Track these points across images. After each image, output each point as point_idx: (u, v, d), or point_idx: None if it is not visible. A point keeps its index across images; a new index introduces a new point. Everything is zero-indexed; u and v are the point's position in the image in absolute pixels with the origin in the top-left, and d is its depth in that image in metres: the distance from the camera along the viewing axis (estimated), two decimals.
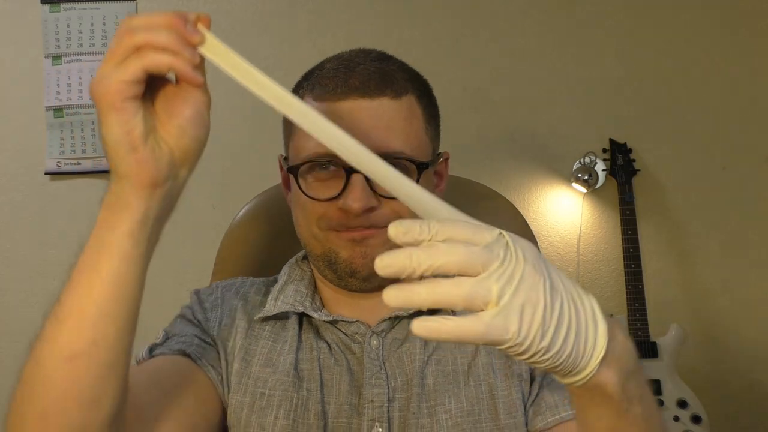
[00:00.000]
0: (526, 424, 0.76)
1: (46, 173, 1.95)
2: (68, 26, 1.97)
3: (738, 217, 2.00)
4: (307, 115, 0.55)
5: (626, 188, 1.90)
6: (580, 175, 1.92)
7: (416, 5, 2.01)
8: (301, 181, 0.76)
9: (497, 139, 1.99)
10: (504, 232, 0.45)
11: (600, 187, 1.95)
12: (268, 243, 1.04)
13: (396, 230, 0.44)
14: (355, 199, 0.72)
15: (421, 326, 0.42)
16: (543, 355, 0.44)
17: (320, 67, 0.80)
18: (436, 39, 1.99)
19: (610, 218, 1.99)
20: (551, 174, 2.00)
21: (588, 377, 0.47)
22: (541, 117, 2.01)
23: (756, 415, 1.98)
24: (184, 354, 0.75)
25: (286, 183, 0.84)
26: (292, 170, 0.77)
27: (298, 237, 0.81)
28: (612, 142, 1.95)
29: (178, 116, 0.56)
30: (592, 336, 0.47)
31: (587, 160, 1.94)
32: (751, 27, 2.04)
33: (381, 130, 0.73)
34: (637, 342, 1.79)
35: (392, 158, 0.72)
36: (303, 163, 0.75)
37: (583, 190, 1.96)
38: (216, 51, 0.56)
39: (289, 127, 0.82)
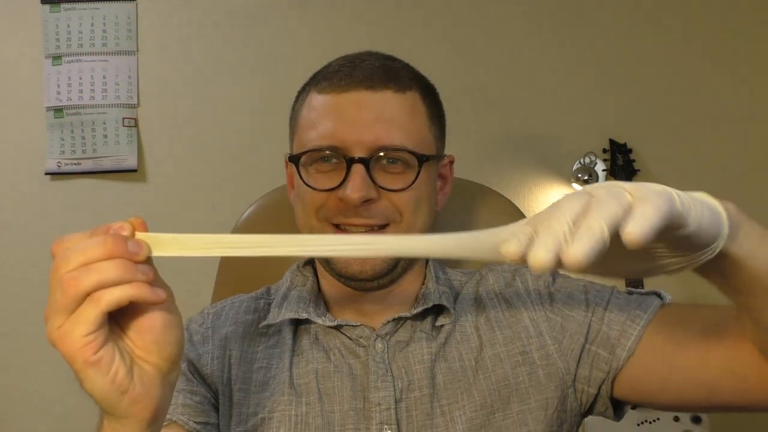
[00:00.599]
0: (574, 381, 0.75)
1: (46, 173, 1.95)
2: (68, 26, 1.97)
3: None
4: (291, 242, 0.51)
5: None
6: (580, 175, 1.92)
7: (416, 6, 2.01)
8: (302, 171, 0.76)
9: (497, 139, 1.99)
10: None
11: None
12: None
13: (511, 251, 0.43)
14: (355, 188, 0.71)
15: (636, 227, 0.41)
16: (699, 225, 0.44)
17: (326, 66, 0.81)
18: (436, 39, 1.99)
19: None
20: (551, 174, 2.00)
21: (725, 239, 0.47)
22: (541, 117, 2.01)
23: (756, 415, 1.98)
24: (172, 422, 0.73)
25: (291, 182, 0.84)
26: (293, 159, 0.77)
27: (299, 229, 0.81)
28: (612, 142, 1.95)
29: (150, 332, 0.51)
30: (711, 206, 0.47)
31: (587, 160, 1.94)
32: (751, 27, 2.04)
33: (383, 122, 0.73)
34: None
35: (393, 150, 0.73)
36: (304, 152, 0.76)
37: None
38: (164, 246, 0.50)
39: (294, 124, 0.82)
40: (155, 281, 0.50)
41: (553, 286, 0.81)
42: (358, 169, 0.72)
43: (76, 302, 0.47)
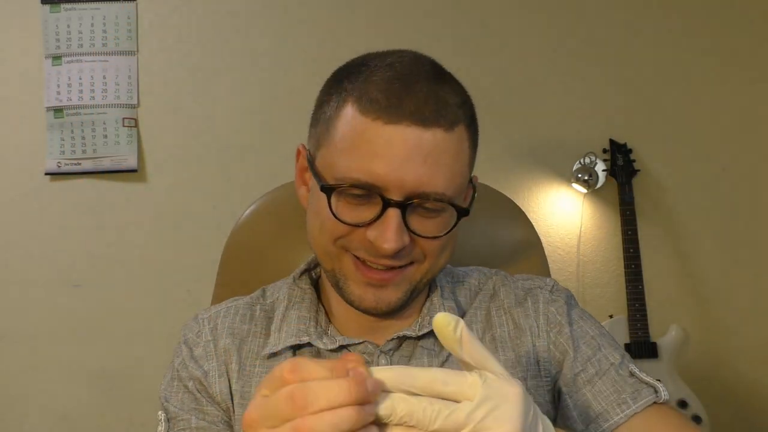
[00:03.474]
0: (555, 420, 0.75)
1: (46, 173, 1.95)
2: (68, 26, 1.97)
3: (738, 217, 2.00)
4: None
5: (626, 188, 1.91)
6: (580, 175, 1.92)
7: (416, 6, 2.01)
8: (332, 200, 0.69)
9: (497, 139, 1.99)
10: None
11: (600, 187, 1.95)
12: (273, 244, 1.02)
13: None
14: (389, 240, 0.66)
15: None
16: None
17: (368, 70, 0.71)
18: (436, 39, 1.99)
19: (610, 219, 1.99)
20: (551, 174, 2.00)
21: None
22: (541, 117, 2.01)
23: (756, 415, 1.98)
24: None
25: (302, 176, 0.79)
26: (325, 190, 0.69)
27: (309, 243, 0.76)
28: (612, 142, 1.95)
29: None
30: None
31: (587, 160, 1.94)
32: (751, 27, 2.04)
33: (429, 166, 0.67)
34: (637, 342, 1.80)
35: (433, 199, 0.69)
36: (338, 185, 0.68)
37: (584, 190, 1.96)
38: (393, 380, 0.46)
39: (323, 130, 0.72)
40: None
41: (567, 318, 0.79)
42: (394, 216, 0.67)
43: None
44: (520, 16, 2.02)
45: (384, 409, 0.44)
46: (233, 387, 0.76)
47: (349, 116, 0.69)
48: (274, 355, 0.77)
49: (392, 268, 0.71)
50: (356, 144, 0.68)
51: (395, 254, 0.69)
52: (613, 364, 0.75)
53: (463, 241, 1.00)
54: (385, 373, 0.45)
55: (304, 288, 0.82)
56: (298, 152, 0.79)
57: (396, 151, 0.66)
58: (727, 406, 1.95)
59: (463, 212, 0.72)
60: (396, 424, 0.44)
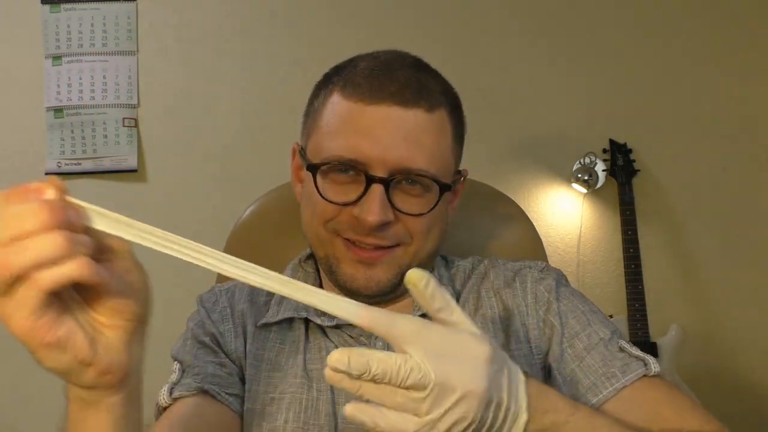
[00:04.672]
0: None
1: (46, 173, 1.95)
2: (68, 26, 1.97)
3: (738, 217, 2.00)
4: (214, 255, 0.47)
5: (626, 188, 1.90)
6: (580, 175, 1.92)
7: (416, 6, 2.01)
8: (318, 179, 0.73)
9: (497, 139, 1.99)
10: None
11: (600, 187, 1.95)
12: (274, 244, 1.03)
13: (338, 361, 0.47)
14: (373, 212, 0.69)
15: (353, 411, 0.48)
16: None
17: (353, 64, 0.76)
18: (436, 39, 1.99)
19: (610, 219, 1.99)
20: (551, 174, 2.00)
21: None
22: (541, 117, 2.01)
23: (756, 415, 1.98)
24: (203, 391, 0.72)
25: (298, 174, 0.82)
26: (311, 168, 0.74)
27: (304, 233, 0.79)
28: (612, 142, 1.95)
29: (108, 297, 0.44)
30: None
31: (587, 160, 1.94)
32: (751, 27, 2.04)
33: (410, 143, 0.71)
34: (637, 342, 1.80)
35: (416, 175, 0.71)
36: (324, 163, 0.73)
37: (583, 190, 1.96)
38: (92, 218, 0.43)
39: (312, 120, 0.78)
40: (100, 251, 0.44)
41: (555, 294, 0.79)
42: (377, 191, 0.70)
43: (11, 284, 0.40)
44: (520, 16, 2.02)
45: (357, 366, 0.46)
46: (248, 347, 0.78)
47: (334, 102, 0.74)
48: (266, 326, 0.79)
49: (380, 247, 0.73)
50: (340, 125, 0.73)
51: (380, 229, 0.71)
52: (603, 339, 0.75)
53: (464, 240, 1.00)
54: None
55: (308, 271, 0.85)
56: (293, 150, 0.83)
57: (378, 129, 0.70)
58: (727, 406, 1.94)
59: (445, 187, 0.74)
60: (368, 381, 0.47)
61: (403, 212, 0.72)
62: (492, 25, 2.02)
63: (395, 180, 0.71)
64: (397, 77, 0.72)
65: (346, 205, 0.72)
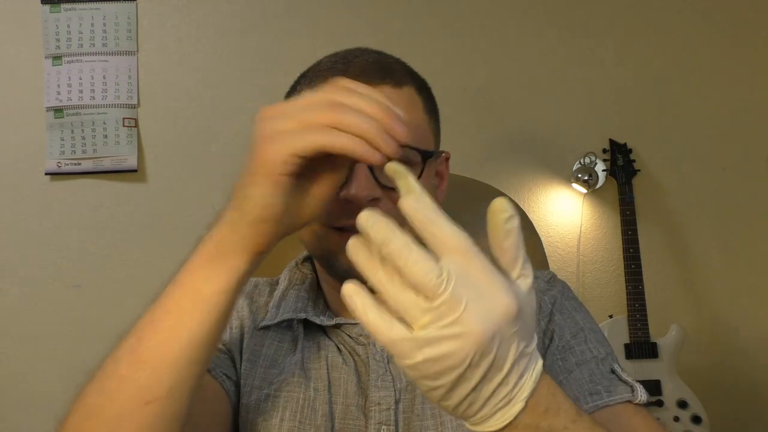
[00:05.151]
0: None
1: (46, 173, 1.95)
2: (68, 26, 1.97)
3: (738, 217, 2.00)
4: None
5: (626, 188, 1.91)
6: (580, 175, 1.92)
7: (416, 5, 2.01)
8: None
9: (497, 139, 1.99)
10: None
11: (600, 187, 1.95)
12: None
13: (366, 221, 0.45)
14: (360, 187, 0.69)
15: (351, 290, 0.44)
16: (437, 396, 0.44)
17: (317, 64, 0.79)
18: (436, 39, 2.00)
19: (610, 218, 1.99)
20: (551, 174, 2.00)
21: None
22: (541, 117, 2.01)
23: (756, 415, 1.98)
24: None
25: None
26: None
27: (299, 237, 0.79)
28: (612, 142, 1.95)
29: (315, 196, 0.55)
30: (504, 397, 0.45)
31: (587, 160, 1.94)
32: (751, 27, 2.04)
33: None
34: (637, 342, 1.80)
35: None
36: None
37: (584, 190, 1.96)
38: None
39: None
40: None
41: (559, 306, 0.79)
42: (361, 168, 0.70)
43: (318, 124, 0.48)
44: (519, 15, 2.02)
45: (380, 229, 0.44)
46: (245, 343, 0.78)
47: None
48: (266, 328, 0.79)
49: None
50: None
51: (370, 205, 0.70)
52: (596, 357, 0.74)
53: None
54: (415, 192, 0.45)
55: (305, 272, 0.85)
56: None
57: None
58: (727, 406, 1.94)
59: (427, 154, 0.74)
60: (383, 268, 0.44)
61: (389, 187, 0.71)
62: (492, 24, 2.02)
63: None
64: (358, 62, 0.74)
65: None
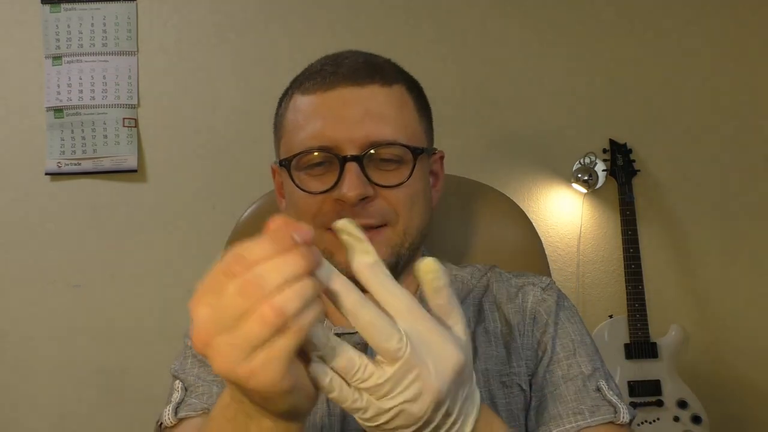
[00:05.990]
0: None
1: (46, 173, 1.95)
2: (68, 27, 1.97)
3: (738, 217, 2.00)
4: None
5: (626, 188, 1.91)
6: (580, 175, 1.92)
7: (416, 5, 2.01)
8: (294, 175, 0.74)
9: (497, 139, 1.99)
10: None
11: (600, 187, 1.95)
12: None
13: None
14: (351, 186, 0.69)
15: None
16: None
17: (307, 68, 0.79)
18: (436, 39, 1.99)
19: (610, 218, 1.99)
20: (551, 174, 2.00)
21: None
22: (541, 117, 2.01)
23: (756, 415, 1.98)
24: (209, 411, 0.70)
25: (280, 191, 0.83)
26: (284, 163, 0.75)
27: None
28: (612, 142, 1.95)
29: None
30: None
31: (587, 160, 1.94)
32: (750, 27, 2.04)
33: (373, 117, 0.72)
34: (637, 342, 1.80)
35: (386, 146, 0.72)
36: (295, 155, 0.73)
37: (583, 190, 1.96)
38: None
39: (279, 129, 0.80)
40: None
41: (554, 317, 0.78)
42: (352, 168, 0.70)
43: (275, 333, 0.39)
44: (520, 15, 2.02)
45: (327, 352, 0.45)
46: None
47: (295, 102, 0.76)
48: None
49: (368, 228, 0.72)
50: (303, 119, 0.74)
51: (363, 206, 0.71)
52: (583, 373, 0.74)
53: (464, 240, 1.00)
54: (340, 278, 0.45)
55: None
56: (273, 171, 0.84)
57: (338, 110, 0.72)
58: (727, 406, 1.94)
59: (417, 151, 0.74)
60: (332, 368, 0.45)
61: (381, 185, 0.72)
62: (492, 25, 2.02)
63: (368, 156, 0.71)
64: (347, 63, 0.74)
65: (326, 192, 0.72)
